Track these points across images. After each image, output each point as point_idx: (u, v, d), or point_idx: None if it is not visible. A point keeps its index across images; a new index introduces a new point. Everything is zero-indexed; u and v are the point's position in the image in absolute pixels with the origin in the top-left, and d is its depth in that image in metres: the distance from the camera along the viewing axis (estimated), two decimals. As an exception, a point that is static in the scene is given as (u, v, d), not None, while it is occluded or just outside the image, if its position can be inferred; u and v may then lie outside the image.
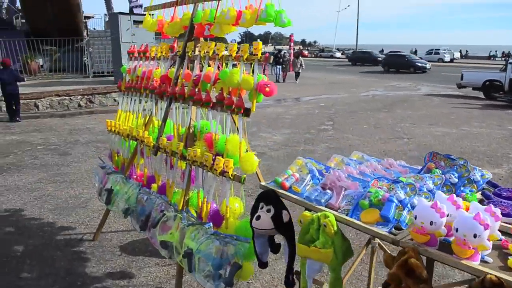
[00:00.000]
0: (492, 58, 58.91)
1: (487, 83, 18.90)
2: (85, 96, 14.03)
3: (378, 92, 20.36)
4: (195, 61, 3.86)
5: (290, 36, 38.74)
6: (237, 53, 3.32)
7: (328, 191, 2.62)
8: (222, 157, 3.32)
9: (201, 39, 4.02)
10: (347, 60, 53.00)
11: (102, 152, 8.30)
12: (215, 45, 3.62)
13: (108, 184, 4.45)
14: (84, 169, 7.23)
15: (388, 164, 3.17)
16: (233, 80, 3.24)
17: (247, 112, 3.21)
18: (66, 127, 10.94)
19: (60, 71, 20.94)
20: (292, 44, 37.50)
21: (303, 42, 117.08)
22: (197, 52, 3.92)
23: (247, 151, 3.28)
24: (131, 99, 4.68)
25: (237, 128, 3.33)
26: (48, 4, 20.82)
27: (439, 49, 53.79)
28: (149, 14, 4.82)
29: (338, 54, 66.55)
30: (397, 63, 37.78)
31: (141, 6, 20.25)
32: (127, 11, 18.38)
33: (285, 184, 2.83)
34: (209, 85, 3.57)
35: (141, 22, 16.57)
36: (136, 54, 4.81)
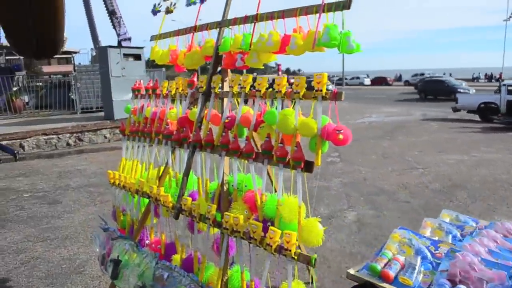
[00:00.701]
0: (475, 80, 59.30)
1: (482, 105, 18.46)
2: (74, 134, 13.08)
3: (374, 119, 19.78)
4: (225, 99, 3.03)
5: (278, 65, 38.25)
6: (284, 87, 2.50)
7: (462, 286, 1.76)
8: (273, 224, 2.47)
9: (229, 71, 3.21)
10: (403, 87, 49.07)
11: (96, 199, 7.36)
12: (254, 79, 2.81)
13: (113, 252, 3.52)
14: (77, 221, 6.26)
15: (505, 230, 2.33)
16: (287, 124, 2.41)
17: (309, 167, 2.37)
18: (55, 169, 9.96)
19: (46, 108, 19.99)
20: (280, 73, 37.03)
21: (287, 71, 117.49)
22: (226, 88, 3.10)
23: (307, 216, 2.43)
24: (138, 146, 3.81)
25: (277, 182, 2.48)
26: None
27: (423, 73, 53.88)
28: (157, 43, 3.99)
29: (367, 81, 63.58)
30: (435, 89, 33.85)
31: (129, 39, 19.54)
32: (116, 45, 17.63)
33: (388, 274, 1.96)
34: (247, 129, 2.76)
35: (130, 55, 15.97)
36: (143, 91, 3.96)
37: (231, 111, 2.97)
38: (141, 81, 4.21)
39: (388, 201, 7.04)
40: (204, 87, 3.16)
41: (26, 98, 21.00)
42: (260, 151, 2.60)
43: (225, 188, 2.85)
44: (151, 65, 20.24)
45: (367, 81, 62.92)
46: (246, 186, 2.79)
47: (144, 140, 3.70)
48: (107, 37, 24.66)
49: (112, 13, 19.21)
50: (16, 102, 19.00)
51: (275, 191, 2.68)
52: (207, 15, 3.79)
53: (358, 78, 65.89)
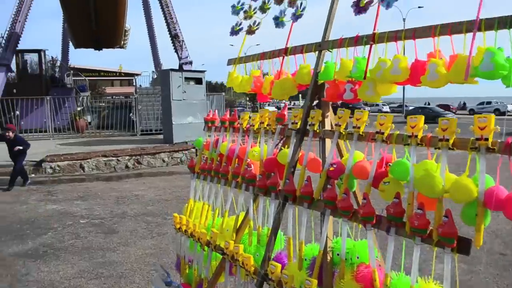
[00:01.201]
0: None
1: None
2: (133, 157, 12.88)
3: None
4: (328, 140, 2.38)
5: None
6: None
7: None
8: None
9: (330, 104, 2.57)
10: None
11: (153, 230, 6.87)
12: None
13: (177, 315, 2.92)
14: (134, 257, 5.76)
15: None
16: (431, 183, 1.72)
17: (464, 247, 1.67)
18: (113, 193, 9.65)
19: (108, 128, 20.25)
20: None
21: None
22: (328, 126, 2.46)
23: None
24: (210, 187, 3.22)
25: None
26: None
27: (490, 102, 50.17)
28: (234, 67, 3.42)
29: (386, 108, 58.03)
30: None
31: (190, 63, 19.57)
32: (177, 68, 17.61)
33: None
34: (356, 182, 2.09)
35: (192, 79, 15.79)
36: (217, 123, 3.38)
37: (336, 156, 2.32)
38: (215, 111, 3.63)
39: (479, 252, 6.07)
40: (299, 123, 2.53)
41: (88, 118, 21.42)
42: (385, 214, 1.91)
43: (328, 257, 2.17)
44: (210, 89, 20.11)
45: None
46: (358, 257, 2.10)
47: (218, 181, 3.10)
48: (168, 60, 24.95)
49: (175, 37, 19.34)
50: (79, 122, 19.36)
51: (403, 272, 1.98)
52: (298, 35, 3.20)
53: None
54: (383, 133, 2.00)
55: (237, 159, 2.96)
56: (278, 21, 3.02)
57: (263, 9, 3.28)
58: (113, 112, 20.76)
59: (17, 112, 18.68)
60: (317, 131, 2.41)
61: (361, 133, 2.13)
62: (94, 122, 21.41)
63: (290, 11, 2.96)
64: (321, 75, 2.51)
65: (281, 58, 2.93)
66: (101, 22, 21.67)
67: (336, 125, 2.29)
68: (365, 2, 2.37)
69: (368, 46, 2.27)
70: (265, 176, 2.59)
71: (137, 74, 41.32)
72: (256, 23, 3.30)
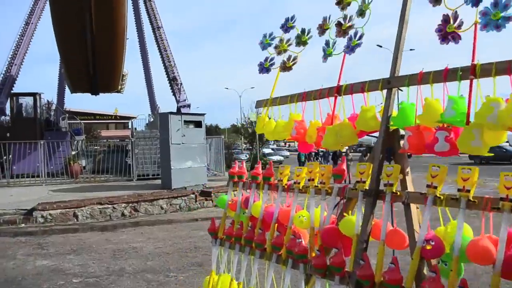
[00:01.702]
0: None
1: None
2: (130, 204, 12.15)
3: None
4: (414, 206, 1.77)
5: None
6: None
7: None
8: None
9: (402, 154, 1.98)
10: None
11: (155, 291, 6.10)
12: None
13: None
14: (134, 326, 4.98)
15: None
16: None
17: None
18: (109, 246, 8.86)
19: (103, 173, 19.50)
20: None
21: None
22: (410, 186, 1.85)
23: None
24: (238, 258, 2.57)
25: None
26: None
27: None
28: (263, 110, 2.85)
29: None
30: None
31: (189, 105, 19.17)
32: (174, 111, 17.16)
33: None
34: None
35: (191, 122, 15.28)
36: (246, 178, 2.77)
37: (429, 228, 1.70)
38: (242, 162, 3.02)
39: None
40: (367, 181, 1.92)
41: (83, 163, 20.69)
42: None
43: None
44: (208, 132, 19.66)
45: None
46: None
47: (251, 253, 2.46)
48: (164, 103, 24.55)
49: (173, 80, 19.01)
50: (74, 166, 18.63)
51: None
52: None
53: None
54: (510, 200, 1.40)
55: (276, 225, 2.33)
56: (326, 54, 2.47)
57: (301, 41, 2.74)
58: (109, 156, 20.09)
59: (10, 157, 17.97)
60: (398, 193, 1.80)
61: (471, 199, 1.52)
62: (89, 166, 20.65)
63: (341, 41, 2.42)
64: (396, 120, 1.94)
65: (331, 98, 2.36)
66: (98, 67, 21.34)
67: (428, 186, 1.68)
68: (454, 26, 1.83)
69: (467, 81, 1.71)
70: (323, 252, 1.95)
71: (132, 117, 40.94)
72: (292, 58, 2.76)
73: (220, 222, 2.79)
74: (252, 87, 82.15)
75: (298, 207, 2.29)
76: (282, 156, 47.07)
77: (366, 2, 2.32)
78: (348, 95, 2.27)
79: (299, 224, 2.18)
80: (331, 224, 2.01)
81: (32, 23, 20.52)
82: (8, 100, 20.23)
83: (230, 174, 2.84)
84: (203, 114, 15.33)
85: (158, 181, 15.56)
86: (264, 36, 2.90)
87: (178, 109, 18.97)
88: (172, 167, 13.90)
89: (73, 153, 20.63)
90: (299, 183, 2.28)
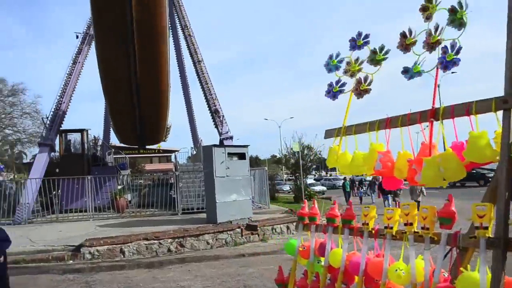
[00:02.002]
0: None
1: None
2: (176, 239, 11.90)
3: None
4: None
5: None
6: None
7: None
8: None
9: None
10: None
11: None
12: None
13: None
14: None
15: None
16: None
17: None
18: (156, 284, 8.55)
19: (148, 207, 19.48)
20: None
21: None
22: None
23: None
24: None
25: None
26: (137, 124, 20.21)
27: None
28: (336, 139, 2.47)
29: None
30: None
31: (231, 137, 19.01)
32: (217, 143, 17.03)
33: None
34: None
35: (235, 154, 15.07)
36: (319, 220, 2.37)
37: None
38: (314, 205, 2.64)
39: None
40: (489, 228, 1.50)
41: (129, 197, 20.80)
42: None
43: None
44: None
45: None
46: None
47: (333, 312, 2.04)
48: (206, 135, 24.65)
49: (215, 112, 18.98)
50: (120, 201, 18.71)
51: None
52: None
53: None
54: None
55: (364, 278, 1.92)
56: (412, 72, 2.09)
57: (375, 60, 2.37)
58: (153, 189, 20.12)
59: (59, 192, 18.30)
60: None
61: None
62: (134, 200, 20.74)
63: (427, 57, 2.04)
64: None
65: (425, 124, 1.96)
66: (145, 129, 21.90)
67: None
68: None
69: None
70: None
71: (175, 151, 41.36)
72: (368, 80, 2.39)
73: (290, 272, 2.40)
74: (291, 117, 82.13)
75: (392, 261, 1.88)
76: (324, 186, 46.15)
77: (463, 8, 1.94)
78: (448, 119, 1.87)
79: (395, 279, 1.77)
80: (444, 281, 1.58)
81: (79, 62, 21.23)
82: (57, 137, 20.75)
83: (299, 215, 2.46)
84: (246, 146, 15.08)
85: (203, 215, 15.30)
86: (330, 57, 2.57)
87: (221, 141, 18.85)
88: (217, 201, 13.62)
89: (119, 187, 20.82)
90: (391, 227, 1.88)
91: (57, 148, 21.59)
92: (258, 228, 13.35)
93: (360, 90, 2.37)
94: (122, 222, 15.60)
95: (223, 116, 19.01)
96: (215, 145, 14.31)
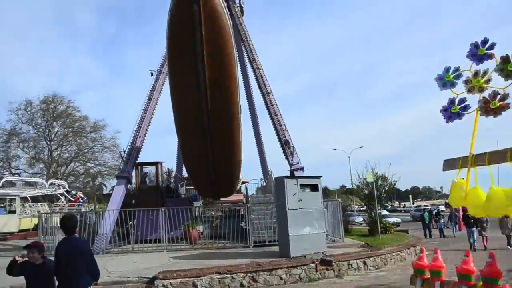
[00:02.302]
0: None
1: None
2: (248, 274, 11.50)
3: None
4: None
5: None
6: None
7: None
8: None
9: None
10: None
11: None
12: None
13: None
14: None
15: None
16: None
17: None
18: (230, 323, 8.14)
19: (219, 238, 19.30)
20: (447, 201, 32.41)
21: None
22: None
23: None
24: None
25: None
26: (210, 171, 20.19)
27: None
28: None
29: None
30: None
31: (302, 168, 18.54)
32: (287, 175, 16.60)
33: None
34: None
35: (307, 186, 14.55)
36: (444, 276, 1.86)
37: None
38: (437, 251, 2.16)
39: None
40: None
41: (201, 228, 20.81)
42: None
43: None
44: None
45: None
46: None
47: None
48: (275, 167, 24.37)
49: (285, 143, 18.66)
50: (192, 232, 18.70)
51: None
52: None
53: None
54: None
55: None
56: None
57: (508, 72, 1.88)
58: (225, 221, 20.00)
59: (134, 222, 18.66)
60: None
61: None
62: (206, 232, 20.73)
63: None
64: None
65: None
66: (220, 186, 22.09)
67: None
68: None
69: None
70: None
71: (245, 182, 41.40)
72: (500, 96, 1.90)
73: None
74: (361, 147, 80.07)
75: None
76: (399, 217, 43.93)
77: None
78: None
79: None
80: None
81: (153, 98, 21.95)
82: (134, 170, 21.38)
83: (416, 267, 1.97)
84: (319, 177, 14.51)
85: (275, 248, 14.81)
86: (446, 70, 2.11)
87: (291, 172, 18.43)
88: (289, 234, 13.10)
89: (192, 219, 20.92)
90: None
91: (133, 180, 22.25)
92: (333, 263, 12.63)
93: (489, 109, 1.90)
94: (194, 254, 15.49)
95: (293, 147, 18.64)
96: (287, 177, 13.91)
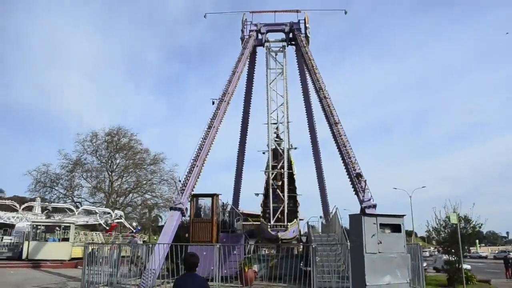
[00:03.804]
0: None
1: None
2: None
3: None
4: None
5: None
6: None
7: None
8: None
9: None
10: None
11: None
12: None
13: None
14: None
15: None
16: None
17: None
18: None
19: (276, 280, 16.85)
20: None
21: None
22: None
23: None
24: None
25: None
26: None
27: None
28: None
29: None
30: None
31: (374, 206, 15.96)
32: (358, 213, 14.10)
33: None
34: None
35: (387, 225, 11.97)
36: None
37: None
38: None
39: None
40: None
41: (256, 267, 18.47)
42: None
43: None
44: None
45: None
46: None
47: None
48: (339, 204, 21.85)
49: (357, 177, 16.25)
50: (248, 273, 16.42)
51: None
52: None
53: None
54: None
55: None
56: None
57: None
58: (281, 261, 17.57)
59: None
60: None
61: None
62: (262, 272, 18.34)
63: None
64: None
65: None
66: None
67: None
68: None
69: None
70: None
71: (301, 219, 38.77)
72: None
73: None
74: (423, 186, 75.06)
75: None
76: (468, 264, 39.15)
77: None
78: None
79: None
80: None
81: (214, 127, 20.38)
82: (189, 201, 19.63)
83: None
84: (402, 216, 11.89)
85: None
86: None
87: (362, 210, 15.90)
88: (367, 283, 10.54)
89: (246, 256, 18.71)
90: None
91: (188, 213, 20.47)
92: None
93: None
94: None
95: (365, 181, 16.17)
96: (364, 214, 11.49)
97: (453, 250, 18.54)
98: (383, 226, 11.45)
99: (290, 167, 22.95)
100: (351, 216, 12.42)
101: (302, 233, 26.67)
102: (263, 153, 23.18)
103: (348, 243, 15.99)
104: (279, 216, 20.75)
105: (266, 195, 23.10)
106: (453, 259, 18.66)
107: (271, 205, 20.74)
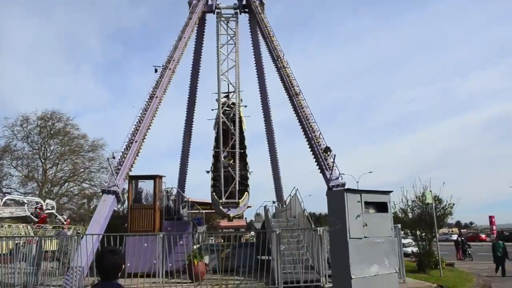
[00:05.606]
0: None
1: None
2: None
3: None
4: None
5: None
6: None
7: None
8: None
9: None
10: None
11: None
12: None
13: None
14: None
15: None
16: None
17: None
18: None
19: (230, 273, 14.19)
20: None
21: (458, 224, 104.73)
22: None
23: None
24: None
25: None
26: None
27: None
28: None
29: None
30: None
31: (343, 185, 13.72)
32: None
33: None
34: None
35: (371, 204, 9.64)
36: None
37: None
38: None
39: None
40: None
41: (206, 259, 15.70)
42: None
43: None
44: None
45: None
46: None
47: None
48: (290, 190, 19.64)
49: (325, 151, 13.88)
50: (198, 266, 13.63)
51: None
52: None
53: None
54: None
55: None
56: None
57: None
58: (235, 251, 14.94)
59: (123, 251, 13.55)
60: None
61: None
62: (212, 264, 15.60)
63: None
64: None
65: None
66: None
67: None
68: None
69: None
70: None
71: (249, 207, 36.38)
72: None
73: None
74: (370, 172, 76.15)
75: None
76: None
77: None
78: None
79: None
80: None
81: (156, 97, 17.21)
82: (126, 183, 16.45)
83: None
84: (388, 192, 9.63)
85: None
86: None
87: (330, 189, 13.58)
88: (352, 275, 8.18)
89: (195, 247, 15.95)
90: None
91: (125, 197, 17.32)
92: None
93: None
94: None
95: (334, 156, 13.86)
96: (348, 190, 9.07)
97: (423, 234, 16.79)
98: (367, 205, 9.14)
99: (240, 125, 21.56)
100: (329, 193, 9.96)
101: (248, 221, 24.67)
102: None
103: (313, 228, 13.76)
104: (232, 189, 20.00)
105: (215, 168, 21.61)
106: (423, 243, 16.94)
107: (223, 180, 19.01)
